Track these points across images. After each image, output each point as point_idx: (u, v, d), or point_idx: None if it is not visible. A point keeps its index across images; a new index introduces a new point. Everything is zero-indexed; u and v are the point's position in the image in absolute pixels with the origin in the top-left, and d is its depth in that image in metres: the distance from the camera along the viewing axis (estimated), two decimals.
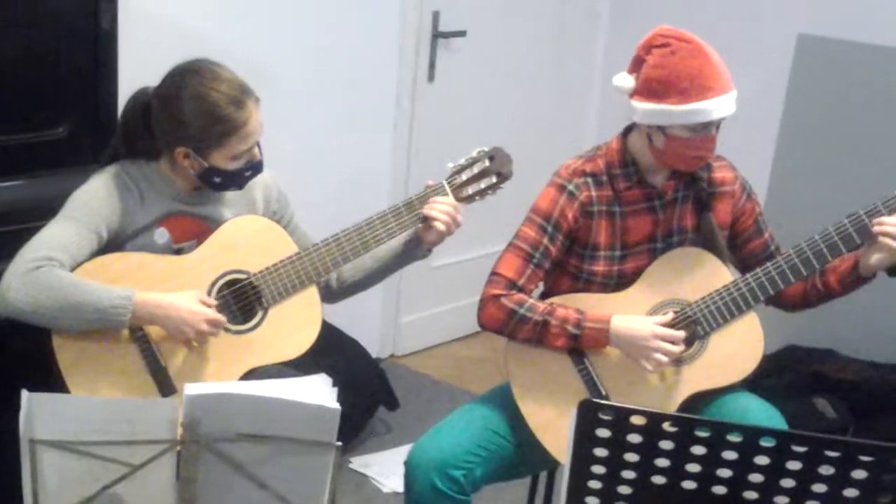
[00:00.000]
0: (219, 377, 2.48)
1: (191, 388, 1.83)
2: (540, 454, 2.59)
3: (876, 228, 2.48)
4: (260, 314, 2.55)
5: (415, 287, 4.56)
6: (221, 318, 2.47)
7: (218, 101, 2.45)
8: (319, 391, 1.90)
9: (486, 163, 2.65)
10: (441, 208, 2.59)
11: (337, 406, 1.88)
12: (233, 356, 2.52)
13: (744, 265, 2.70)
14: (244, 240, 2.57)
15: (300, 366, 2.53)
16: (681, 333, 2.53)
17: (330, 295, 2.75)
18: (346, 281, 2.75)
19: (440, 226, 2.58)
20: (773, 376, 4.36)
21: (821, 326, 4.20)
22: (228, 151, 2.48)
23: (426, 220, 2.60)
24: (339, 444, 1.92)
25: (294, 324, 2.55)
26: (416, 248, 2.69)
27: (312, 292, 2.58)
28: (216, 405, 1.83)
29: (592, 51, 4.89)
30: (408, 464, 2.56)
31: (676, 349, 2.52)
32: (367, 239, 2.58)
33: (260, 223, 2.62)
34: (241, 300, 2.56)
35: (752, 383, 4.25)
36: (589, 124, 4.90)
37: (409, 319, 4.65)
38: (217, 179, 2.52)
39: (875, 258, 2.51)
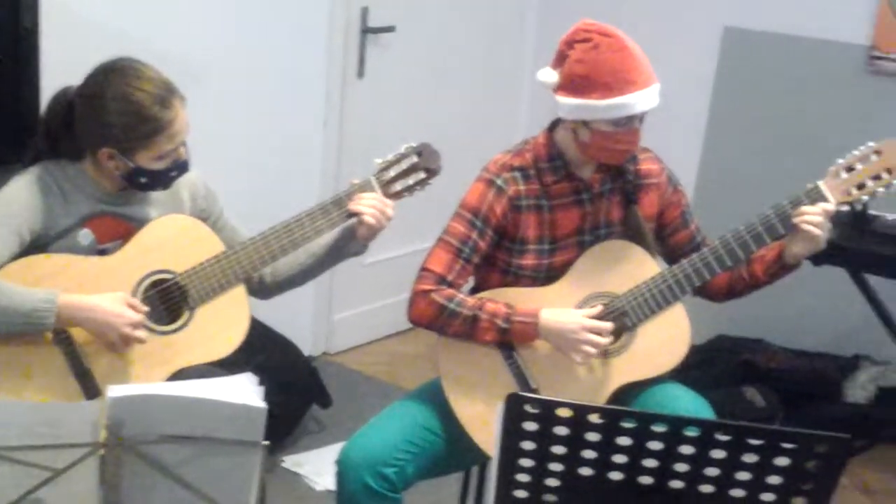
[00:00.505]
0: (145, 379, 2.46)
1: (114, 390, 1.81)
2: (471, 449, 2.59)
3: (796, 219, 2.52)
4: (187, 314, 2.53)
5: (347, 284, 4.55)
6: (143, 319, 2.44)
7: (143, 101, 2.42)
8: (244, 390, 1.89)
9: (414, 159, 2.65)
10: (367, 202, 2.58)
11: (262, 405, 1.87)
12: (159, 357, 2.49)
13: (671, 257, 2.72)
14: (169, 239, 2.55)
15: (230, 365, 2.51)
16: (609, 325, 2.55)
17: (264, 291, 2.74)
18: (280, 276, 2.73)
19: (369, 219, 2.57)
20: (703, 366, 4.41)
21: (750, 316, 4.25)
22: (154, 152, 2.45)
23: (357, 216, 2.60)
24: (267, 443, 1.91)
25: (221, 323, 2.53)
26: (349, 244, 2.67)
27: (240, 291, 2.56)
28: (140, 407, 1.82)
29: (522, 45, 4.91)
30: (339, 463, 2.55)
31: (604, 340, 2.54)
32: (295, 237, 2.57)
33: (185, 222, 2.59)
34: (168, 300, 2.53)
35: (683, 373, 4.31)
36: (520, 119, 4.92)
37: (343, 316, 4.64)
38: (143, 180, 2.49)
39: (798, 246, 2.54)
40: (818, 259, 3.55)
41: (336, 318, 4.62)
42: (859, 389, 4.28)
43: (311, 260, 2.70)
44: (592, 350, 2.52)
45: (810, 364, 4.36)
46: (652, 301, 2.58)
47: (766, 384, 4.24)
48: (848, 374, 4.34)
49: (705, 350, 4.55)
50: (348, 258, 2.73)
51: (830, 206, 2.52)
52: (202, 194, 2.68)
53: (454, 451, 2.63)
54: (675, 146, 4.23)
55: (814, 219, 2.50)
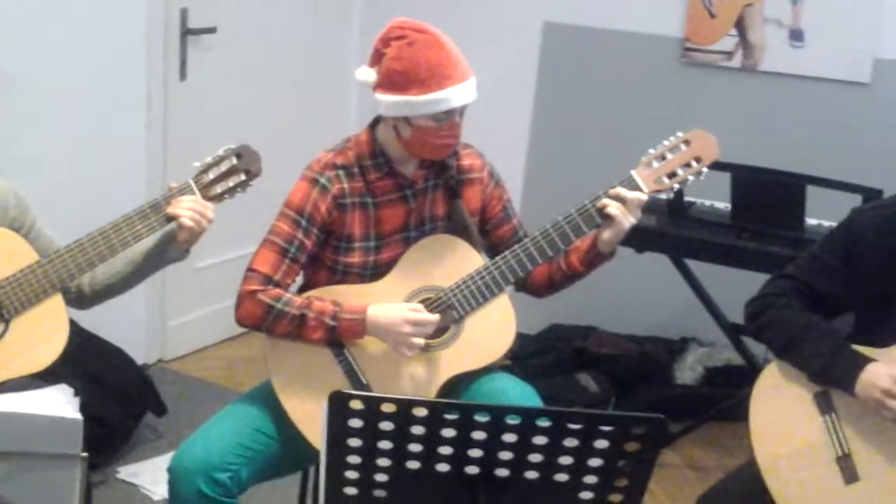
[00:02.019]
0: None
1: None
2: (306, 449, 2.58)
3: (603, 202, 2.57)
4: (1, 326, 2.45)
5: (179, 290, 4.48)
6: None
7: None
8: (59, 402, 1.84)
9: (234, 160, 2.62)
10: (185, 206, 2.54)
11: (78, 416, 1.83)
12: None
13: (495, 251, 2.75)
14: None
15: (56, 377, 2.43)
16: (433, 317, 2.57)
17: (84, 300, 2.67)
18: (99, 285, 2.66)
19: (188, 223, 2.53)
20: (538, 355, 4.49)
21: (582, 305, 4.35)
22: None
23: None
24: (85, 455, 1.86)
25: (39, 334, 2.46)
26: (169, 250, 2.63)
27: (57, 300, 2.49)
28: None
29: (347, 43, 4.91)
30: (171, 470, 2.51)
31: (429, 331, 2.56)
32: (112, 243, 2.51)
33: None
34: None
35: (520, 363, 4.39)
36: (349, 118, 4.92)
37: (177, 323, 4.56)
38: None
39: (608, 232, 2.60)
40: (641, 246, 3.67)
41: (170, 324, 4.54)
42: (688, 371, 4.42)
43: (130, 267, 2.65)
44: (419, 342, 2.54)
45: (640, 348, 4.48)
46: (477, 293, 2.62)
47: (599, 370, 4.34)
48: (676, 356, 4.49)
49: (540, 339, 4.64)
50: (169, 264, 2.68)
51: (643, 194, 2.59)
52: (13, 204, 2.59)
53: (289, 452, 2.62)
54: (501, 141, 4.31)
55: (614, 202, 2.57)
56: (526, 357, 4.50)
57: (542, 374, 4.31)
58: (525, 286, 2.78)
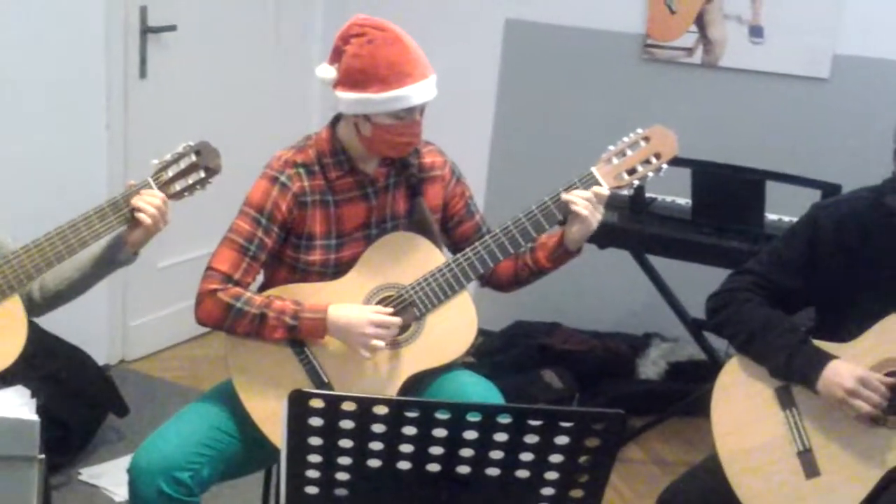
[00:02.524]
0: None
1: None
2: (268, 448, 2.57)
3: (566, 198, 2.58)
4: None
5: (142, 290, 4.45)
6: None
7: None
8: (15, 404, 1.82)
9: (193, 158, 2.60)
10: (149, 201, 2.52)
11: (35, 418, 1.81)
12: None
13: (458, 248, 2.75)
14: None
15: (13, 378, 2.41)
16: (397, 319, 2.57)
17: (34, 308, 2.62)
18: (49, 292, 2.62)
19: (146, 219, 2.50)
20: (503, 352, 4.50)
21: (545, 301, 4.37)
22: None
23: (132, 221, 2.53)
24: (42, 456, 1.85)
25: None
26: (118, 253, 2.59)
27: (15, 302, 2.46)
28: None
29: (309, 40, 4.89)
30: (131, 470, 2.50)
31: (391, 333, 2.56)
32: (70, 242, 2.49)
33: None
34: None
35: (485, 359, 4.40)
36: (311, 115, 4.89)
37: (139, 323, 4.53)
38: None
39: (574, 230, 2.61)
40: (602, 242, 3.68)
41: (132, 324, 4.51)
42: (651, 366, 4.44)
43: (79, 273, 2.61)
44: (380, 344, 2.54)
45: (604, 344, 4.49)
46: (439, 290, 2.62)
47: (563, 366, 4.34)
48: (640, 351, 4.50)
49: (504, 336, 4.64)
50: (118, 268, 2.64)
51: (604, 190, 2.60)
52: None
53: (251, 450, 2.61)
54: (464, 138, 4.31)
55: (582, 201, 2.57)
56: (490, 354, 4.50)
57: (506, 370, 4.32)
58: (490, 281, 2.78)
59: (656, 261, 3.90)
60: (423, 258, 2.65)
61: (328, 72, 2.58)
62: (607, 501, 3.63)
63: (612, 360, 4.43)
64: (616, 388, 4.32)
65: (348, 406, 1.93)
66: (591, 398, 4.24)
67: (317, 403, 1.93)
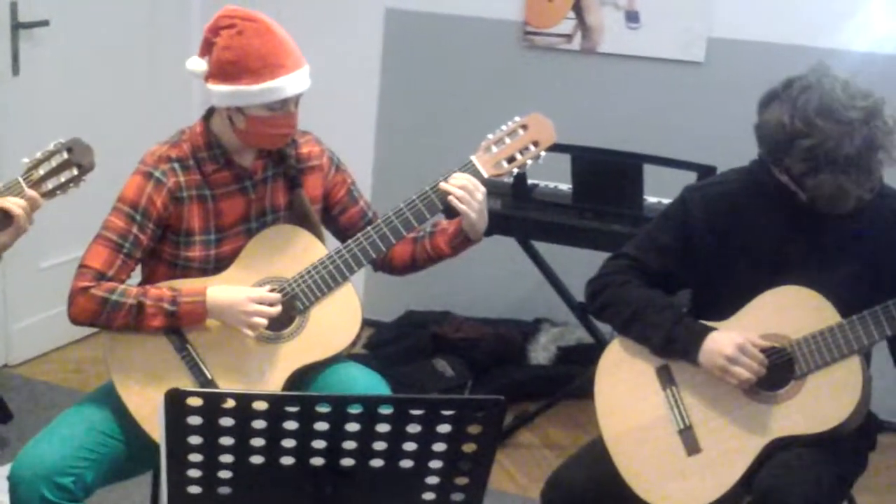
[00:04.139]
0: None
1: None
2: (153, 448, 2.53)
3: (443, 187, 2.59)
4: None
5: (23, 291, 4.34)
6: None
7: None
8: None
9: (65, 155, 2.54)
10: (17, 201, 2.45)
11: None
12: None
13: (345, 235, 2.74)
14: None
15: None
16: (276, 296, 2.55)
17: None
18: None
19: (17, 211, 2.43)
20: (395, 342, 4.50)
21: (436, 290, 4.38)
22: None
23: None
24: None
25: None
26: None
27: None
28: None
29: (186, 34, 4.79)
30: (11, 478, 2.45)
31: (273, 310, 2.54)
32: None
33: None
34: None
35: (377, 350, 4.39)
36: (190, 110, 4.79)
37: (21, 326, 4.43)
38: None
39: (465, 219, 2.63)
40: (488, 230, 3.68)
41: (14, 327, 4.40)
42: (541, 351, 4.48)
43: None
44: (262, 321, 2.52)
45: (495, 331, 4.51)
46: (322, 283, 2.60)
47: (456, 354, 4.36)
48: (530, 337, 4.54)
49: (396, 326, 4.64)
50: None
51: (482, 179, 2.62)
52: None
53: (136, 452, 2.57)
54: (349, 129, 4.31)
55: (456, 192, 2.59)
56: (382, 344, 4.50)
57: (399, 361, 4.32)
58: (384, 266, 2.77)
59: (543, 247, 3.93)
60: (304, 251, 2.64)
61: (199, 64, 2.55)
62: (501, 486, 3.68)
63: (503, 347, 4.46)
64: (508, 375, 4.36)
65: (227, 403, 1.91)
66: (483, 385, 4.26)
67: (195, 402, 1.90)
